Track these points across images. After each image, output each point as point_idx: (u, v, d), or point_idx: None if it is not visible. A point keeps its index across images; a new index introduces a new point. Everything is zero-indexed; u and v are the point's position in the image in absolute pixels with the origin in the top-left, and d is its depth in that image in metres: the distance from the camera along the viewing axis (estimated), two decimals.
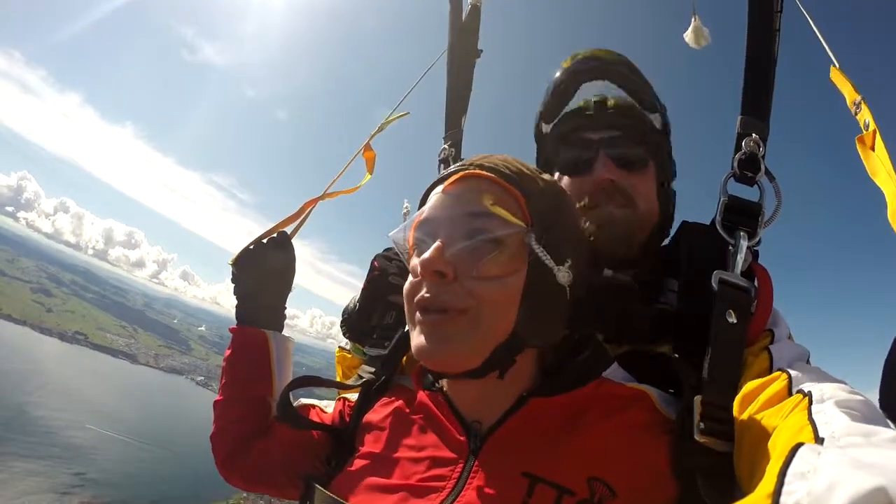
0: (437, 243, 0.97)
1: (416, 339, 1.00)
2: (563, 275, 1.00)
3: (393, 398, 1.23)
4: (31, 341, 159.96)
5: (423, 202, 1.12)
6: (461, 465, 0.99)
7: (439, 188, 1.06)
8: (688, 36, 1.80)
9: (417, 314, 1.00)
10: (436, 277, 0.96)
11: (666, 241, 1.47)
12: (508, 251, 0.98)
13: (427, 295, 0.98)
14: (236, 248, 1.67)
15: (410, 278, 1.04)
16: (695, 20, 1.75)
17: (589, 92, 1.45)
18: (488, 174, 1.02)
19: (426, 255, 0.96)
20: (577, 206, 1.29)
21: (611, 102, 1.42)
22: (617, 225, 1.32)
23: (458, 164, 1.10)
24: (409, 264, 1.07)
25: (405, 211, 1.37)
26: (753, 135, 1.23)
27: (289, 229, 1.71)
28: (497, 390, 1.03)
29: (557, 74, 1.46)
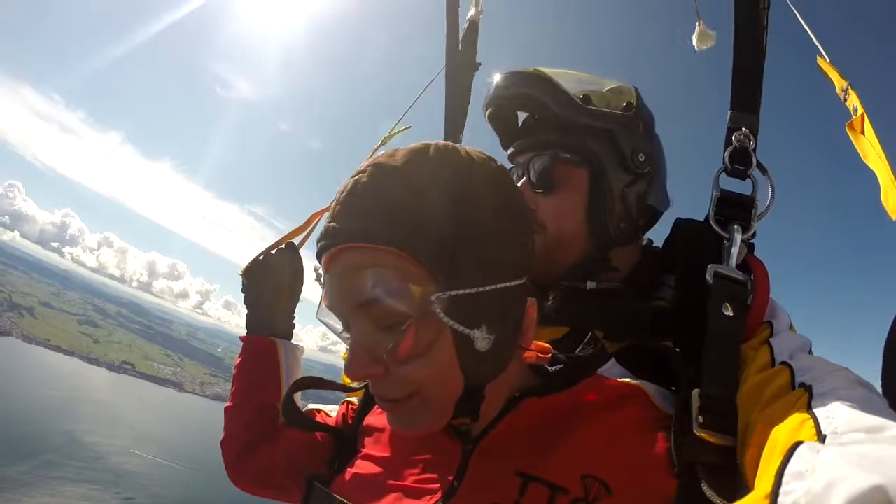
0: (351, 347, 0.94)
1: (386, 414, 1.02)
2: (483, 342, 0.90)
3: None
4: (79, 371, 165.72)
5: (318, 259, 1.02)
6: (455, 467, 1.00)
7: (324, 266, 0.97)
8: (694, 40, 1.91)
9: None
10: (367, 380, 0.97)
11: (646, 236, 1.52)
12: (420, 325, 0.90)
13: (374, 391, 0.98)
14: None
15: None
16: (699, 25, 1.87)
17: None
18: (359, 245, 0.90)
19: (346, 365, 0.94)
20: None
21: (510, 123, 1.52)
22: None
23: (328, 222, 0.96)
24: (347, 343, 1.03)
25: (317, 276, 1.14)
26: (743, 129, 1.27)
27: (297, 241, 1.81)
28: (487, 395, 1.02)
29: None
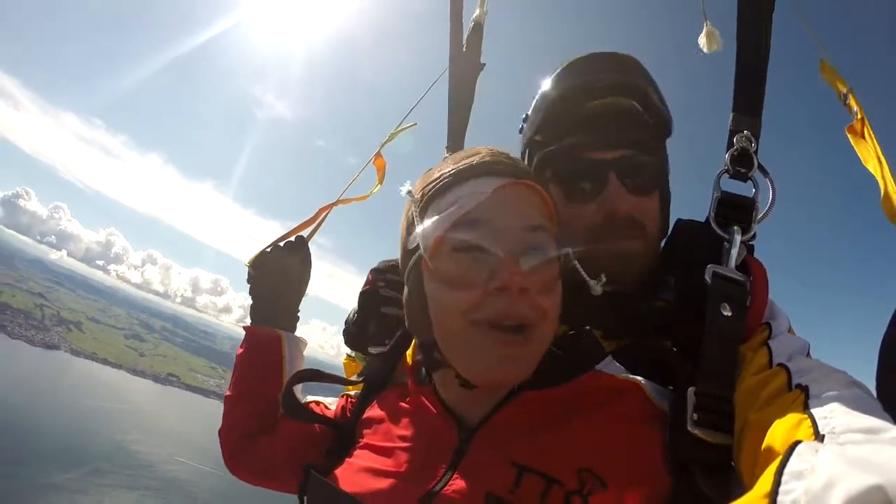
0: (511, 257, 0.99)
1: (474, 356, 1.01)
2: (598, 289, 1.06)
3: (391, 394, 1.32)
4: (127, 383, 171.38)
5: (440, 192, 1.10)
6: (451, 455, 1.03)
7: (482, 186, 1.06)
8: (701, 41, 1.92)
9: (477, 330, 1.00)
10: (519, 293, 0.98)
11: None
12: (555, 265, 1.05)
13: (500, 309, 0.99)
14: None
15: (455, 289, 1.02)
16: (707, 25, 1.88)
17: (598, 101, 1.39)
18: (536, 185, 1.09)
19: (510, 270, 0.97)
20: (579, 235, 1.30)
21: (625, 117, 1.38)
22: (632, 260, 1.35)
23: (486, 158, 1.12)
24: (430, 259, 1.04)
25: (413, 198, 1.17)
26: (745, 131, 1.30)
27: (305, 234, 1.88)
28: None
29: (563, 82, 1.44)
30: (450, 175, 1.10)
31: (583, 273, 1.05)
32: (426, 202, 1.11)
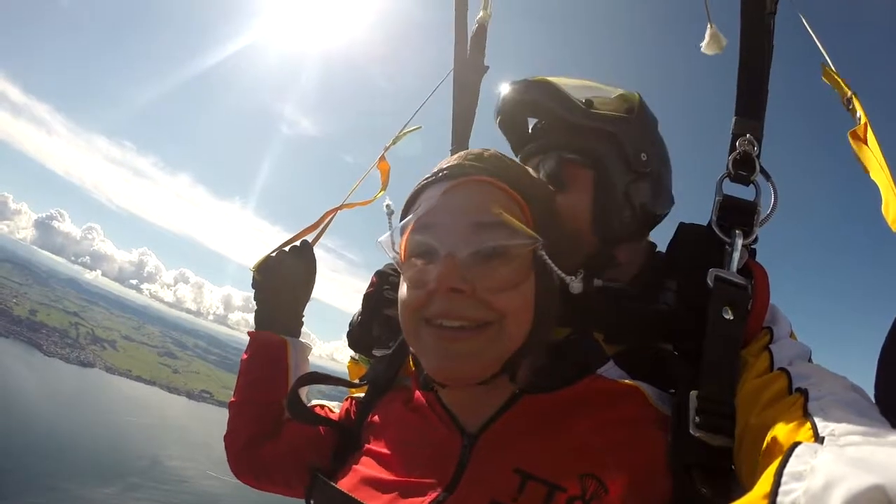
0: (448, 257, 1.02)
1: (426, 353, 1.07)
2: (577, 286, 1.12)
3: (395, 397, 1.33)
4: (161, 399, 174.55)
5: (412, 201, 1.19)
6: (454, 463, 1.05)
7: (436, 190, 1.12)
8: (706, 44, 1.92)
9: (426, 328, 1.06)
10: (451, 293, 1.00)
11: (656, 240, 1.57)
12: (518, 259, 1.06)
13: (440, 309, 1.02)
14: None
15: (410, 289, 1.09)
16: (710, 27, 1.88)
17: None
18: (492, 179, 1.10)
19: (439, 270, 1.01)
20: None
21: (518, 128, 1.61)
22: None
23: (452, 162, 1.16)
24: (402, 269, 1.12)
25: (389, 211, 1.34)
26: (747, 135, 1.31)
27: (310, 238, 1.90)
28: (489, 389, 1.09)
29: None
30: (419, 185, 1.18)
31: (556, 269, 1.09)
32: (403, 212, 1.21)
